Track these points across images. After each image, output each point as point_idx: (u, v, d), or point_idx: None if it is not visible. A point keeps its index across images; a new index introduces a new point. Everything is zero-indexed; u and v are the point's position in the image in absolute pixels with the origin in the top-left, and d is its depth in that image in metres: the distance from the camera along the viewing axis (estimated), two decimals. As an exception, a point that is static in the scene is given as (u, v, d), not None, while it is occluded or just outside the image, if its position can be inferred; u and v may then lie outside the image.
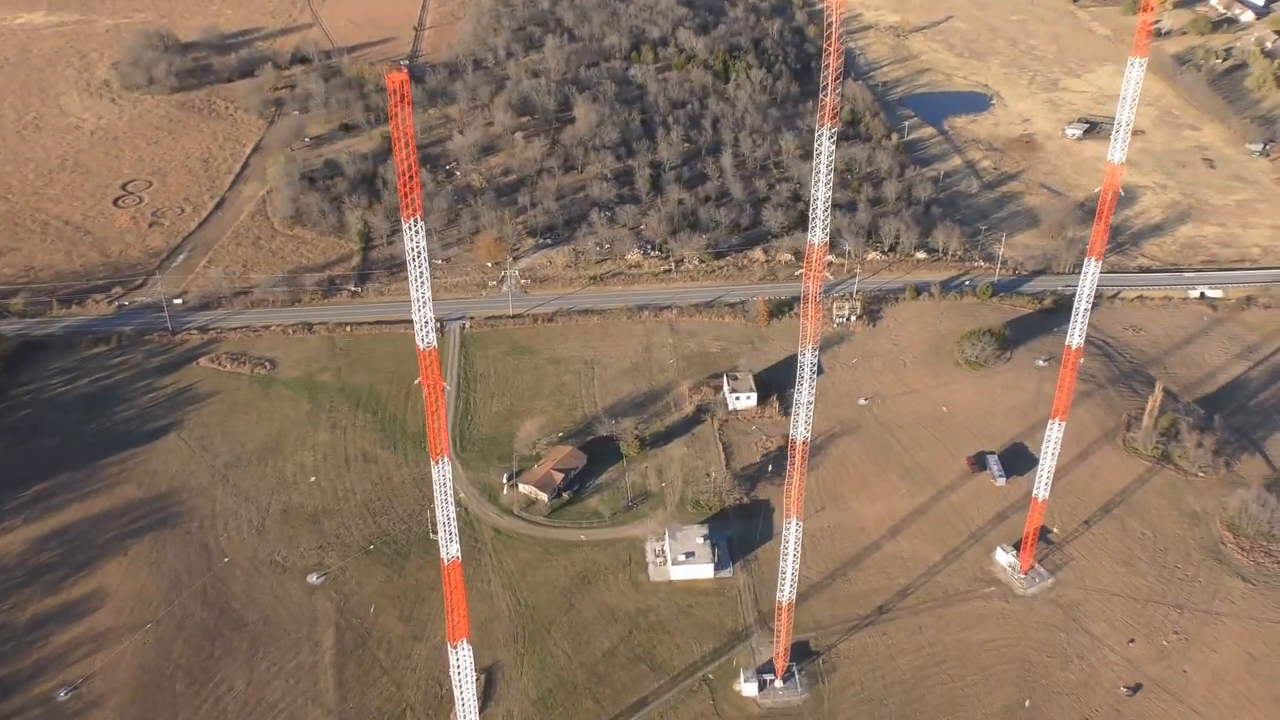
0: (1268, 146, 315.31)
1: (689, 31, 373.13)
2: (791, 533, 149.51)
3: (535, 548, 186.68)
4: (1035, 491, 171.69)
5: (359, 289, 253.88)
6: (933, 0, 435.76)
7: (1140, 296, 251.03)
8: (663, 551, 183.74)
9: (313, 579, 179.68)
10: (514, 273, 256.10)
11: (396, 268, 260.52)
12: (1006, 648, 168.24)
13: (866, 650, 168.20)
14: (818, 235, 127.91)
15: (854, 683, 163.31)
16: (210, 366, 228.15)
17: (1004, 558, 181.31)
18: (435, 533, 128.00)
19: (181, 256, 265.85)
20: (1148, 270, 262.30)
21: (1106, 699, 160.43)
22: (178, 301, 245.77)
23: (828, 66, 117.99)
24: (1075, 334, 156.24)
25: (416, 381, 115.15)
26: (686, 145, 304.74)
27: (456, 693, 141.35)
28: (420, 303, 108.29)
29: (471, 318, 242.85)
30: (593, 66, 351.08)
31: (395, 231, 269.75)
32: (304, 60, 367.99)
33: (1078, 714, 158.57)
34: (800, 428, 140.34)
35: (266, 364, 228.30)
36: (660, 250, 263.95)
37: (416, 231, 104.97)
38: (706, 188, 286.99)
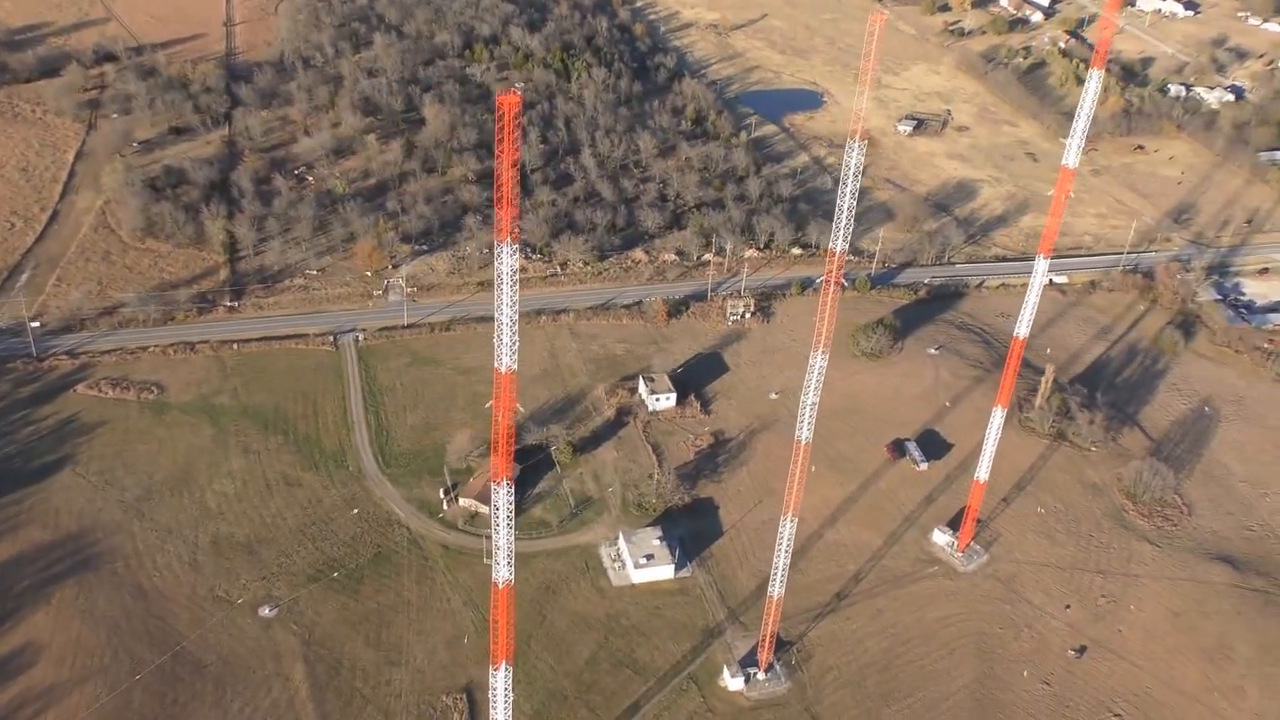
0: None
1: (520, 29, 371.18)
2: (786, 529, 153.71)
3: (489, 562, 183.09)
4: (977, 474, 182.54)
5: (235, 304, 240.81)
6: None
7: (1003, 284, 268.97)
8: (620, 556, 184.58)
9: (265, 612, 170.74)
10: (399, 281, 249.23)
11: (270, 279, 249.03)
12: (961, 622, 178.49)
13: (835, 636, 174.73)
14: (839, 244, 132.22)
15: (831, 668, 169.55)
16: (90, 393, 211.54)
17: (941, 538, 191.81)
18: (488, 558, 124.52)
19: (25, 275, 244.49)
20: (1003, 259, 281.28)
21: (1059, 662, 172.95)
22: (35, 324, 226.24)
23: (863, 75, 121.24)
24: (1023, 325, 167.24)
25: (489, 405, 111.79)
26: (543, 146, 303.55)
27: (493, 714, 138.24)
28: (508, 326, 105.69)
29: (364, 329, 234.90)
30: (428, 65, 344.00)
31: (264, 240, 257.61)
32: (110, 58, 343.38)
33: (1037, 679, 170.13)
34: (804, 429, 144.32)
35: (154, 388, 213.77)
36: (542, 254, 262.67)
37: (513, 254, 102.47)
38: (574, 188, 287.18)
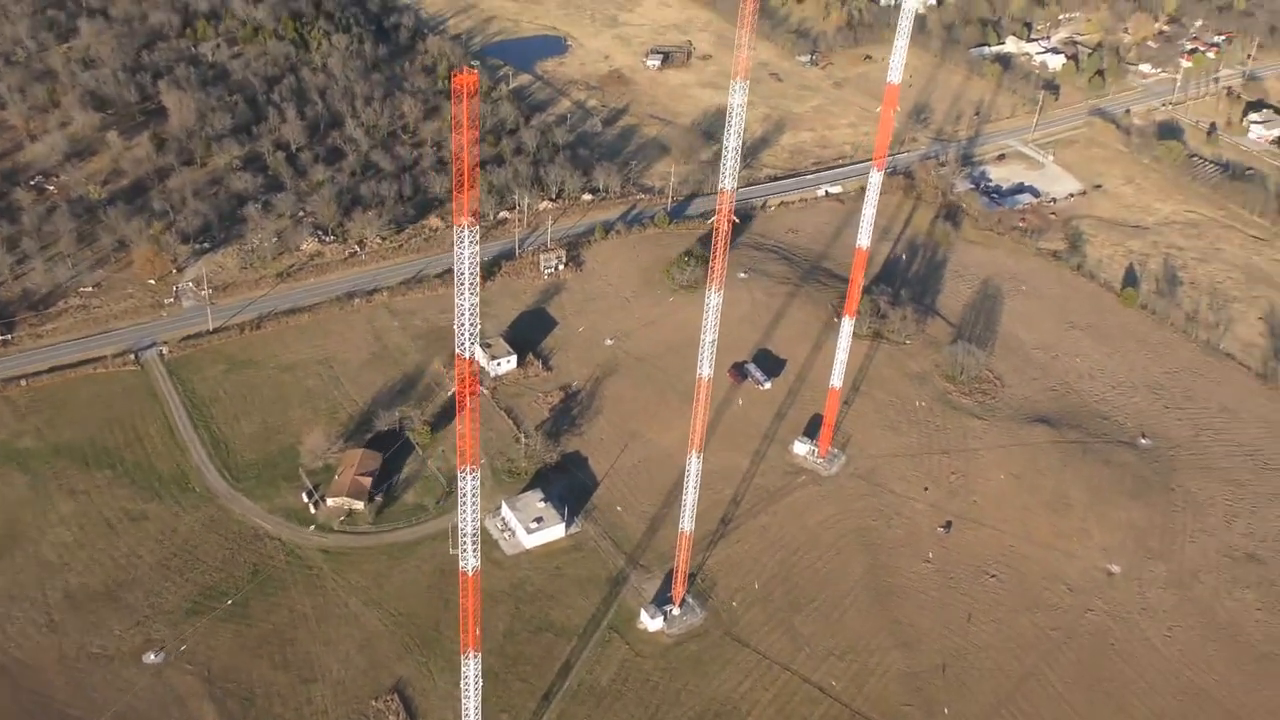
0: (814, 57, 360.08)
1: (241, 1, 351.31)
2: (693, 465, 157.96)
3: (377, 557, 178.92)
4: (832, 382, 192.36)
5: (7, 336, 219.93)
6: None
7: (783, 203, 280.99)
8: (507, 524, 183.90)
9: (151, 658, 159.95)
10: (189, 285, 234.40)
11: (40, 304, 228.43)
12: (839, 523, 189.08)
13: (731, 560, 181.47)
14: (728, 182, 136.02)
15: (737, 590, 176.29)
16: None
17: (801, 448, 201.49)
18: (454, 548, 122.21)
19: None
20: (776, 179, 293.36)
21: (932, 540, 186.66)
22: None
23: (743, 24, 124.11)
24: (864, 236, 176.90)
25: (451, 392, 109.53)
26: (302, 121, 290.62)
27: (464, 702, 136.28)
28: (468, 310, 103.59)
29: (166, 342, 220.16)
30: (150, 49, 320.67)
31: (21, 263, 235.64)
32: None
33: (919, 559, 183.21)
34: (704, 365, 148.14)
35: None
36: (335, 234, 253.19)
37: (474, 239, 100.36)
38: (348, 163, 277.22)
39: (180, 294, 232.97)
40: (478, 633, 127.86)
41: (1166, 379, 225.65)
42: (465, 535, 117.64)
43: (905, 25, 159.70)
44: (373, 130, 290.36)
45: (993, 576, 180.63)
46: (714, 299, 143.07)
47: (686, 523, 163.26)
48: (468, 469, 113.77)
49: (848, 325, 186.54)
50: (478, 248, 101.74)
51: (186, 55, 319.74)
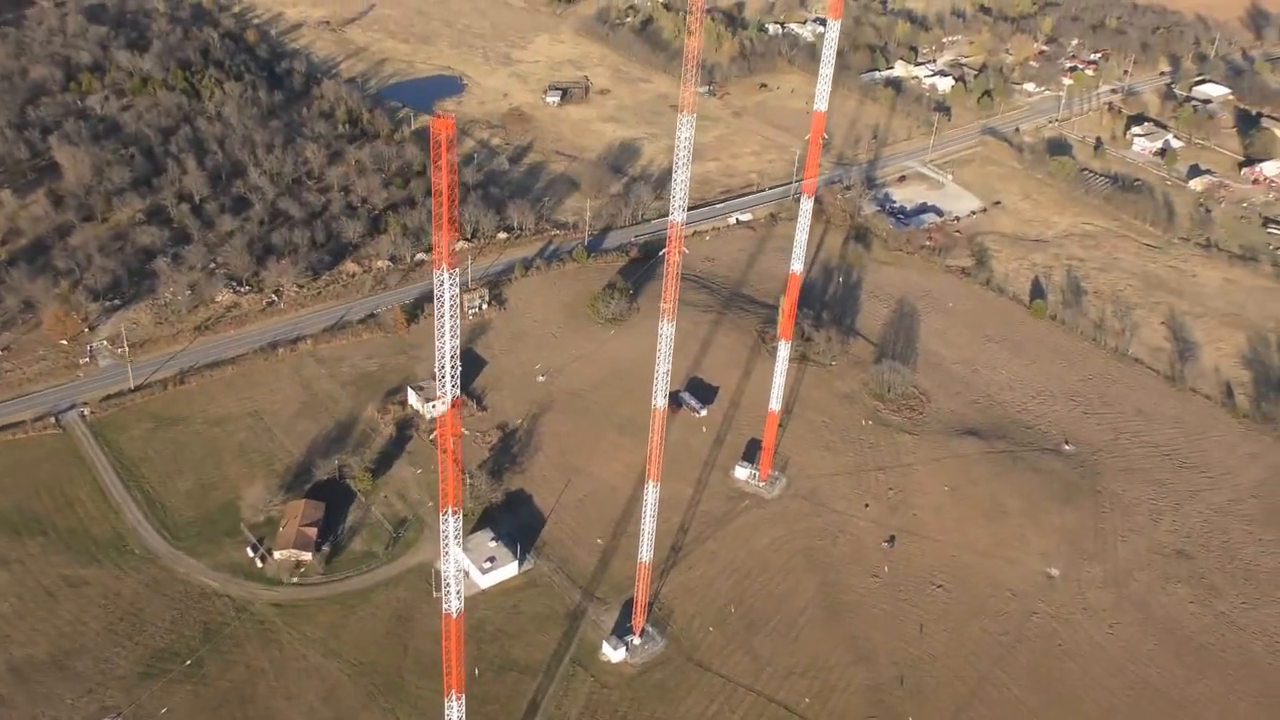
0: (712, 87, 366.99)
1: (124, 52, 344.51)
2: (650, 495, 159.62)
3: (330, 608, 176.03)
4: (771, 406, 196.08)
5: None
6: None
7: (696, 232, 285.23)
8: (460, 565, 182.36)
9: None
10: (104, 344, 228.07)
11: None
12: (787, 544, 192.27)
13: (685, 587, 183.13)
14: (678, 215, 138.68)
15: (694, 615, 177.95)
16: None
17: (742, 472, 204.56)
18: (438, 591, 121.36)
19: None
20: (689, 209, 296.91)
21: (878, 555, 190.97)
22: None
23: (688, 58, 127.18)
24: (797, 260, 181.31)
25: (432, 437, 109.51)
26: (204, 171, 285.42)
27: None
28: (449, 355, 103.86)
29: (86, 403, 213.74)
30: (34, 104, 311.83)
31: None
32: None
33: (866, 574, 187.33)
34: (659, 397, 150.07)
35: None
36: (250, 284, 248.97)
37: (454, 282, 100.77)
38: (256, 211, 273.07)
39: (95, 353, 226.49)
40: (460, 675, 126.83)
41: (1082, 386, 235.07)
42: (449, 577, 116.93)
43: (829, 54, 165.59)
44: (277, 178, 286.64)
45: (939, 587, 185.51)
46: (667, 330, 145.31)
47: (645, 552, 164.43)
48: (449, 511, 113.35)
49: (784, 349, 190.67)
50: (458, 290, 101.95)
51: (74, 109, 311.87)
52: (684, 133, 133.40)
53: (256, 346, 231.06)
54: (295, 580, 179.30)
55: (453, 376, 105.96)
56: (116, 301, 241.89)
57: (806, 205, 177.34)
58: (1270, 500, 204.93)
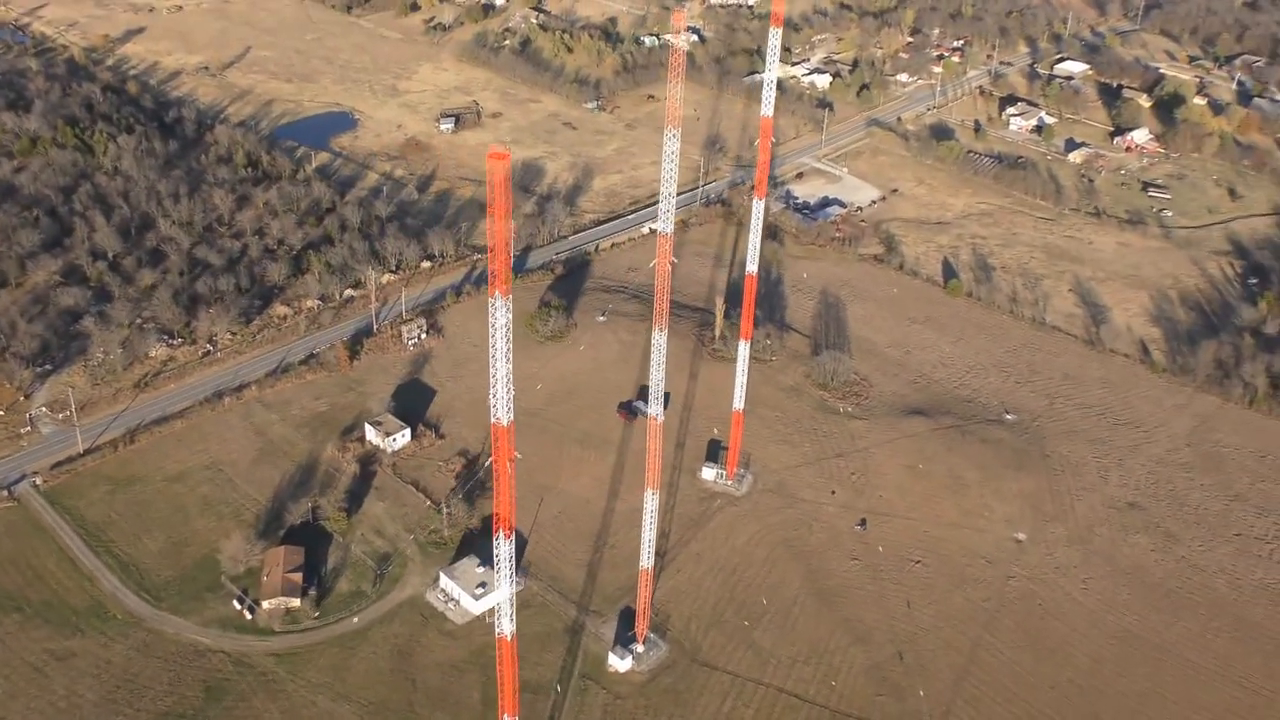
0: (601, 102, 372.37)
1: (8, 114, 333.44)
2: (649, 503, 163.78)
3: (330, 651, 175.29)
4: (735, 405, 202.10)
5: None
6: (217, 36, 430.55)
7: (613, 244, 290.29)
8: (450, 595, 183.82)
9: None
10: (43, 411, 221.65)
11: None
12: (766, 537, 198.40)
13: (677, 591, 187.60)
14: (666, 227, 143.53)
15: (690, 618, 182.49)
16: None
17: (709, 473, 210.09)
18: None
19: None
20: (600, 222, 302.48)
21: (852, 539, 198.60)
22: None
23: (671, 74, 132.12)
24: (752, 262, 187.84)
25: (488, 463, 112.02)
26: (112, 226, 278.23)
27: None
28: (503, 379, 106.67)
29: (36, 472, 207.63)
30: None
31: None
32: None
33: (846, 558, 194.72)
34: (655, 406, 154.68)
35: None
36: (183, 336, 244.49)
37: (507, 309, 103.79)
38: (173, 262, 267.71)
39: (35, 420, 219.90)
40: (515, 699, 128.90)
41: (1009, 357, 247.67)
42: (503, 601, 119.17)
43: (773, 60, 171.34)
44: (188, 227, 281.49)
45: (918, 562, 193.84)
46: (659, 339, 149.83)
47: (647, 559, 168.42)
48: (501, 534, 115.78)
49: (744, 349, 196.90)
50: (510, 316, 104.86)
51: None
52: (669, 145, 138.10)
53: (201, 398, 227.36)
54: (280, 629, 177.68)
55: (507, 400, 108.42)
56: (48, 367, 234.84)
57: (758, 207, 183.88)
58: (1203, 447, 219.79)
